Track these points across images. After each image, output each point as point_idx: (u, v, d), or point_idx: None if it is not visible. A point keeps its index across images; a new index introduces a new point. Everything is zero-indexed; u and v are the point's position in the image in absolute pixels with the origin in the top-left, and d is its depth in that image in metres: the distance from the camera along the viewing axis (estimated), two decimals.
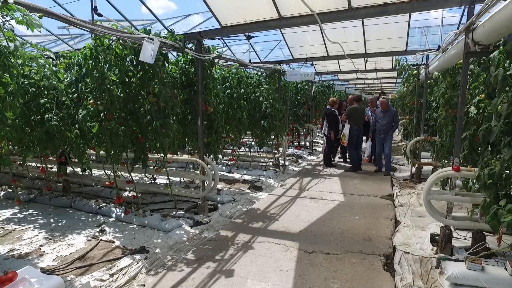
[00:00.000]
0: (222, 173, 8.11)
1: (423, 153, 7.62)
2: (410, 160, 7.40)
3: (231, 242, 4.16)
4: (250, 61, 7.06)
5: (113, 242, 4.09)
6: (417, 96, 7.06)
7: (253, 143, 8.74)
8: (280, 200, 5.93)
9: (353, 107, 8.35)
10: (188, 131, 5.40)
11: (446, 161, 5.81)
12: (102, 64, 4.06)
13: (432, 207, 3.82)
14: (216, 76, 5.99)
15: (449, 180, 3.67)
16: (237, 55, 7.71)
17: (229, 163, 8.78)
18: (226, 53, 7.30)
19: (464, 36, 3.45)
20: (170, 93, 4.23)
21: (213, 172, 5.12)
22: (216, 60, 5.64)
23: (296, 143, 12.52)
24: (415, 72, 7.29)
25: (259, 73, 8.56)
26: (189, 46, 5.01)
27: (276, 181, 7.55)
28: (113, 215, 5.01)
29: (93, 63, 4.05)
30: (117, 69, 4.18)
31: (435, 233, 4.11)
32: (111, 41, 4.05)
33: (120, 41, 4.01)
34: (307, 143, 12.65)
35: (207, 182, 5.04)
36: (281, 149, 8.47)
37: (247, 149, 9.30)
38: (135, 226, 4.63)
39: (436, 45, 6.25)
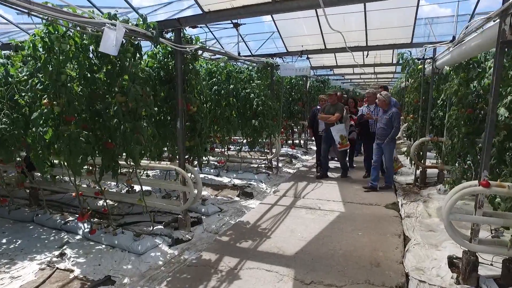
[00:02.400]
0: (209, 176, 7.44)
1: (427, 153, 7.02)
2: (414, 163, 6.81)
3: (215, 268, 3.50)
4: (239, 53, 6.36)
5: (72, 271, 3.40)
6: (422, 93, 6.44)
7: (244, 142, 8.08)
8: (273, 211, 5.29)
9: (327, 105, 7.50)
10: (168, 133, 4.72)
11: (457, 165, 5.23)
12: (58, 56, 3.35)
13: (454, 228, 3.20)
14: (200, 70, 5.30)
15: (476, 198, 3.04)
16: (227, 48, 7.00)
17: (218, 165, 8.10)
18: (215, 46, 6.60)
19: (497, 22, 2.82)
20: (140, 91, 3.54)
21: (196, 182, 4.46)
22: (200, 53, 4.96)
23: (290, 142, 11.89)
24: (420, 66, 6.67)
25: (250, 68, 7.88)
26: (168, 36, 4.32)
27: (269, 185, 6.90)
28: (80, 232, 4.33)
29: (46, 55, 3.34)
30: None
31: (454, 256, 3.50)
32: (67, 28, 3.34)
33: (78, 28, 3.30)
34: (302, 142, 12.02)
35: (189, 193, 4.38)
36: (274, 150, 7.82)
37: (238, 148, 8.57)
38: (103, 246, 3.95)
39: (444, 37, 5.65)
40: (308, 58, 9.42)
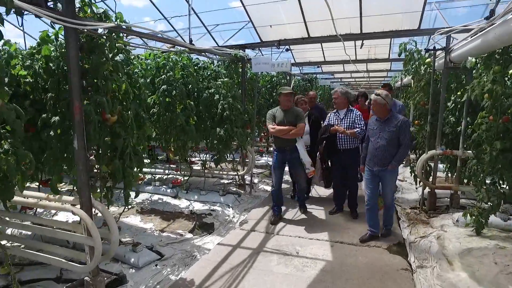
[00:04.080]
0: (165, 199, 5.91)
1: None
2: (421, 182, 5.40)
3: None
4: (191, 40, 4.81)
5: None
6: (432, 94, 5.02)
7: (208, 156, 6.56)
8: (233, 258, 3.80)
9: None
10: (68, 154, 3.21)
11: (484, 192, 3.86)
12: None
13: None
14: (126, 63, 3.79)
15: None
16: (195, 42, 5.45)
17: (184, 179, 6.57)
18: (167, 34, 5.08)
19: None
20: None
21: (110, 229, 2.94)
22: (129, 39, 3.46)
23: (271, 149, 10.40)
24: (427, 60, 5.25)
25: (216, 62, 6.38)
26: (59, 6, 2.78)
27: (238, 211, 5.42)
28: None
29: None
30: None
31: None
32: None
33: None
34: None
35: (98, 247, 2.86)
36: (248, 161, 6.31)
37: (205, 157, 6.89)
38: None
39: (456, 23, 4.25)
40: (290, 50, 7.97)
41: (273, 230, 4.58)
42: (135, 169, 3.71)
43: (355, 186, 5.03)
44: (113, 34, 3.20)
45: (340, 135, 4.75)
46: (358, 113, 4.82)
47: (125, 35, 3.53)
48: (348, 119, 4.79)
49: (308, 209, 5.26)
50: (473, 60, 3.69)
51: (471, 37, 3.90)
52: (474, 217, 4.04)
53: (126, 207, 4.34)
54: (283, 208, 5.23)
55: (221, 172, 6.56)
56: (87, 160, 2.94)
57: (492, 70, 3.45)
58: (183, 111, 5.16)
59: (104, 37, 3.11)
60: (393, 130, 3.88)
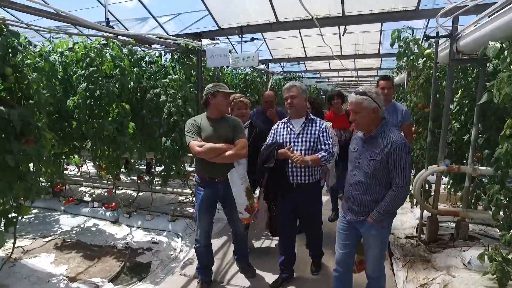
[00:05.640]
0: (101, 224, 4.73)
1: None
2: (417, 204, 4.31)
3: None
4: (108, 22, 3.53)
5: None
6: (433, 95, 3.92)
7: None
8: None
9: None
10: None
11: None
12: None
13: None
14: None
15: None
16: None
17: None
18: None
19: None
20: None
21: None
22: None
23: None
24: (427, 51, 4.15)
25: (170, 56, 5.21)
26: None
27: (189, 242, 4.24)
28: None
29: None
30: None
31: None
32: None
33: None
34: None
35: None
36: None
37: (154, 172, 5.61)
38: None
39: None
40: (265, 43, 6.83)
41: (224, 277, 3.42)
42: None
43: (318, 237, 3.39)
44: None
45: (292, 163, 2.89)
46: (323, 125, 3.02)
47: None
48: (308, 135, 2.96)
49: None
50: (498, 45, 2.59)
51: (488, 16, 2.84)
52: (495, 262, 2.93)
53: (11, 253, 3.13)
54: (214, 269, 3.44)
55: (175, 190, 5.38)
56: None
57: None
58: (117, 117, 3.99)
59: None
60: (376, 158, 2.28)
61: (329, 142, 2.93)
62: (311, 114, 3.10)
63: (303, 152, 2.89)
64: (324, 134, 2.95)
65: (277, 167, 2.90)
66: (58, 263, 3.68)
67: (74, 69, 3.86)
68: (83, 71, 3.69)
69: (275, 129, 3.14)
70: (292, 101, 2.95)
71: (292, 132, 3.01)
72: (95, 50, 3.73)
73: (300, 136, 2.97)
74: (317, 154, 2.86)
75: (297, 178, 2.96)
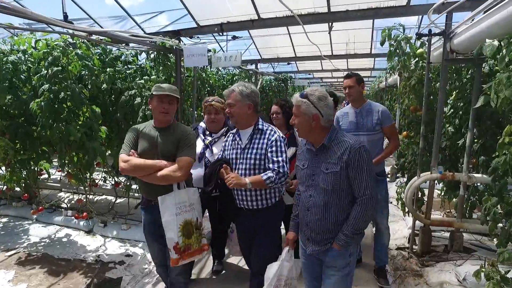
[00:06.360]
0: (73, 235, 4.42)
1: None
2: (409, 212, 4.05)
3: None
4: (65, 17, 3.20)
5: None
6: (426, 97, 3.66)
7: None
8: None
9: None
10: None
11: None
12: None
13: None
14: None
15: None
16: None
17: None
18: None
19: None
20: None
21: None
22: None
23: None
24: (420, 51, 3.90)
25: (151, 56, 4.91)
26: None
27: None
28: None
29: None
30: None
31: None
32: None
33: None
34: None
35: None
36: None
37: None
38: None
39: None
40: (253, 43, 6.55)
41: None
42: None
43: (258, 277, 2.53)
44: None
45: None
46: (273, 137, 2.42)
47: None
48: (254, 150, 2.43)
49: None
50: (495, 43, 2.32)
51: (484, 12, 2.59)
52: (493, 281, 2.67)
53: None
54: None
55: None
56: None
57: None
58: (86, 120, 3.69)
59: None
60: (335, 169, 1.90)
61: (280, 159, 2.34)
62: (260, 122, 2.50)
63: (246, 171, 2.39)
64: (273, 149, 2.37)
65: (221, 189, 2.48)
66: (18, 281, 3.36)
67: (36, 69, 3.54)
68: (45, 71, 3.39)
69: (225, 142, 2.67)
70: (230, 110, 2.44)
71: (239, 146, 2.49)
72: (60, 48, 3.42)
73: (246, 150, 2.45)
74: (261, 174, 2.31)
75: (245, 202, 2.47)
